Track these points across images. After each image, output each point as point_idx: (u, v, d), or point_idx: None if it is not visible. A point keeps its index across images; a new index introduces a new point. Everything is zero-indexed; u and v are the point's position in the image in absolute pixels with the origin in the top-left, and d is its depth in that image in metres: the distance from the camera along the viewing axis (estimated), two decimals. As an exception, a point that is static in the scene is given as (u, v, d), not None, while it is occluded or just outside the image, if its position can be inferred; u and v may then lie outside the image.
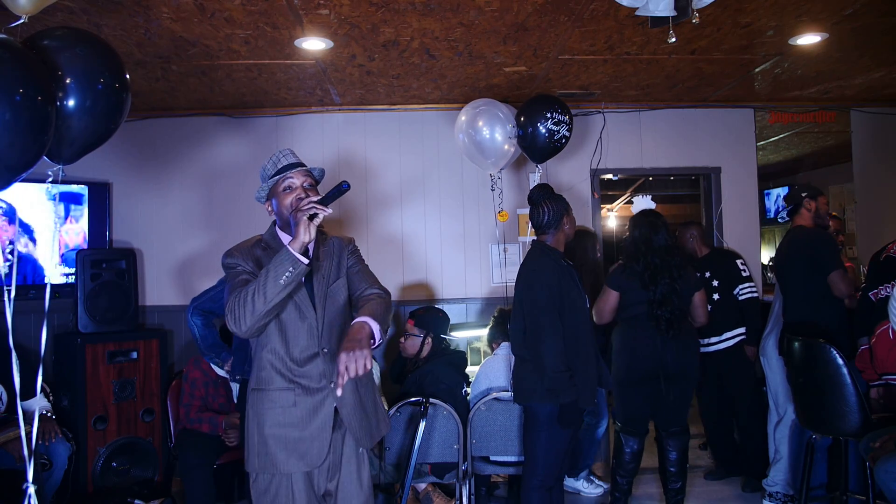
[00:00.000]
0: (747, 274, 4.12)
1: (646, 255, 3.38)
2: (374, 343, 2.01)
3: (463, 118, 4.00)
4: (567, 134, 4.03)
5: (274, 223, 2.27)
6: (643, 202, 3.82)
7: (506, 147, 3.95)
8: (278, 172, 2.18)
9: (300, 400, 2.10)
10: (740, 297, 4.04)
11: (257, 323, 1.94)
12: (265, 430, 2.09)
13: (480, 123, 3.94)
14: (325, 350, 2.14)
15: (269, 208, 2.25)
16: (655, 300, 3.31)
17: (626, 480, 3.51)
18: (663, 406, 3.38)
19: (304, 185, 2.19)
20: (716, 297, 4.05)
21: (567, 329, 2.80)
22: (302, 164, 2.24)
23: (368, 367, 1.90)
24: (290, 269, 1.91)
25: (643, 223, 3.48)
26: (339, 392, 1.92)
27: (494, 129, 3.92)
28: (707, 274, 4.12)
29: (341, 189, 1.97)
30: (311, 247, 2.12)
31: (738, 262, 4.15)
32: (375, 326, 2.03)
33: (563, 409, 2.75)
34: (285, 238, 2.19)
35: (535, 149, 4.05)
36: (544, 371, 2.77)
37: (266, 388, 2.12)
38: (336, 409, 2.13)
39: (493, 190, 4.33)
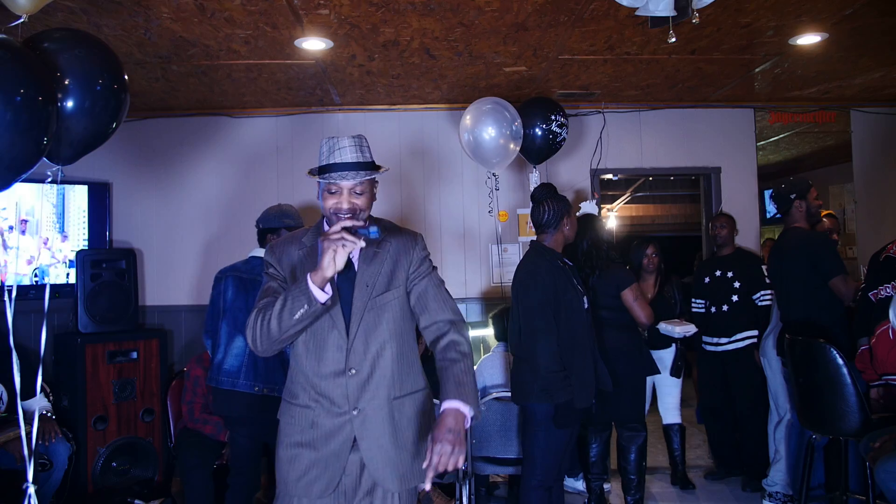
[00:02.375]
0: (769, 281, 4.09)
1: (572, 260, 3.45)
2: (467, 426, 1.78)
3: (468, 117, 3.97)
4: (565, 136, 4.10)
5: (323, 217, 2.02)
6: (588, 206, 3.88)
7: (511, 146, 3.94)
8: (327, 168, 1.86)
9: (319, 421, 1.88)
10: (759, 303, 4.01)
11: (273, 347, 1.78)
12: (281, 449, 1.93)
13: (486, 123, 3.91)
14: (353, 371, 1.87)
15: (317, 190, 1.97)
16: None
17: (598, 483, 3.59)
18: (603, 405, 3.30)
19: (356, 190, 1.87)
20: (734, 298, 4.02)
21: (563, 330, 2.80)
22: (357, 167, 1.87)
23: (462, 462, 1.69)
24: (305, 306, 1.70)
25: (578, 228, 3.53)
26: (427, 486, 1.69)
27: (501, 129, 3.89)
28: (730, 274, 4.09)
29: (369, 237, 1.76)
30: (354, 254, 1.89)
31: (764, 267, 4.13)
32: (469, 412, 1.77)
33: (557, 409, 2.75)
34: None
35: (533, 150, 4.06)
36: (538, 371, 2.78)
37: (291, 400, 1.94)
38: (355, 440, 1.87)
39: (497, 190, 4.34)
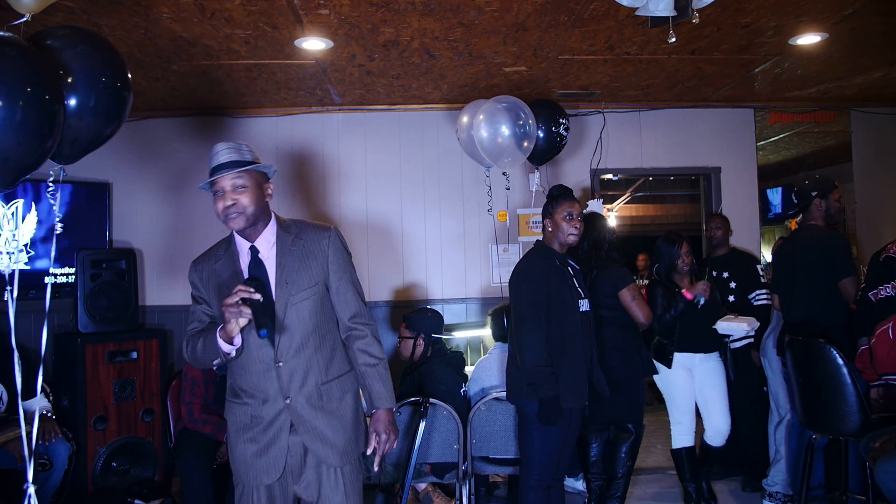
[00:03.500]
0: (765, 280, 4.09)
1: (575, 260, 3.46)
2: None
3: (481, 115, 3.96)
4: (568, 138, 4.16)
5: (233, 232, 2.15)
6: (594, 205, 3.84)
7: (525, 144, 3.93)
8: (211, 173, 2.01)
9: (256, 413, 2.04)
10: (755, 303, 4.02)
11: (204, 366, 2.06)
12: (231, 442, 2.09)
13: (501, 121, 3.89)
14: (281, 364, 2.02)
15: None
16: None
17: (598, 483, 3.59)
18: (600, 405, 3.35)
19: (236, 185, 1.99)
20: (731, 298, 4.03)
21: (554, 329, 2.80)
22: (233, 164, 2.00)
23: (395, 444, 2.10)
24: (218, 358, 1.97)
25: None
26: (375, 468, 2.09)
27: (515, 128, 3.87)
28: (725, 274, 4.09)
29: (260, 336, 1.91)
30: (269, 245, 2.08)
31: (759, 266, 4.13)
32: (393, 406, 2.11)
33: (541, 405, 2.74)
34: (240, 243, 2.09)
35: (537, 151, 4.07)
36: (524, 366, 2.78)
37: (231, 399, 2.11)
38: (292, 425, 2.04)
39: (507, 189, 4.34)
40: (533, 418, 2.80)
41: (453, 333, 4.45)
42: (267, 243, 2.08)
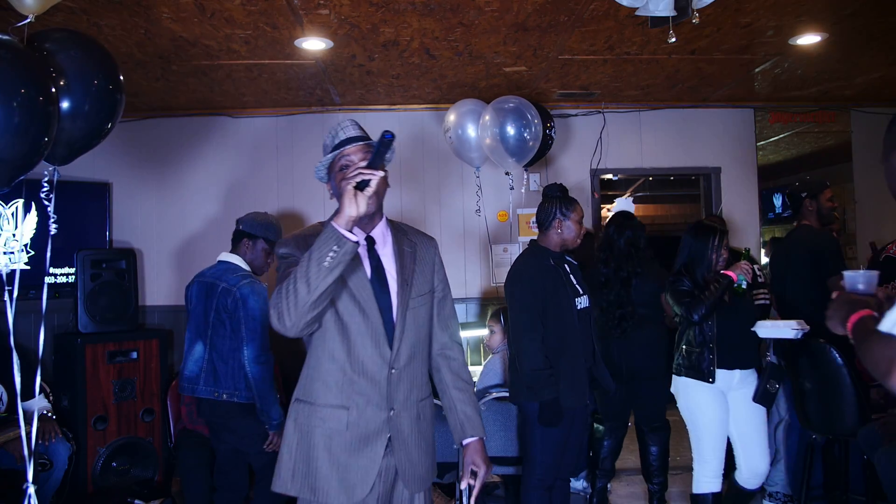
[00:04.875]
0: (763, 280, 4.09)
1: (606, 257, 3.51)
2: None
3: (487, 117, 3.98)
4: (554, 139, 4.26)
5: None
6: (623, 203, 3.80)
7: (531, 144, 3.95)
8: (335, 148, 1.84)
9: (353, 422, 1.77)
10: (755, 303, 4.01)
11: (304, 317, 1.60)
12: (310, 451, 1.78)
13: (507, 122, 3.92)
14: (394, 370, 1.80)
15: (330, 190, 1.91)
16: (609, 302, 3.45)
17: (603, 481, 3.62)
18: (638, 403, 3.51)
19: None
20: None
21: (550, 329, 2.80)
22: (365, 138, 1.86)
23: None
24: (335, 247, 1.55)
25: (611, 225, 3.58)
26: (463, 484, 1.89)
27: (521, 128, 3.90)
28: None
29: (384, 141, 1.58)
30: (384, 239, 1.88)
31: (756, 267, 4.12)
32: (484, 436, 1.94)
33: (542, 407, 2.75)
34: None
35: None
36: (523, 369, 2.78)
37: (316, 401, 1.80)
38: (390, 440, 1.81)
39: (511, 189, 4.35)
40: (534, 419, 2.80)
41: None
42: (382, 237, 1.89)
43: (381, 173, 1.60)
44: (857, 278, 1.56)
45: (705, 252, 2.97)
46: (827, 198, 3.54)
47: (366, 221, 1.82)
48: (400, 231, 1.96)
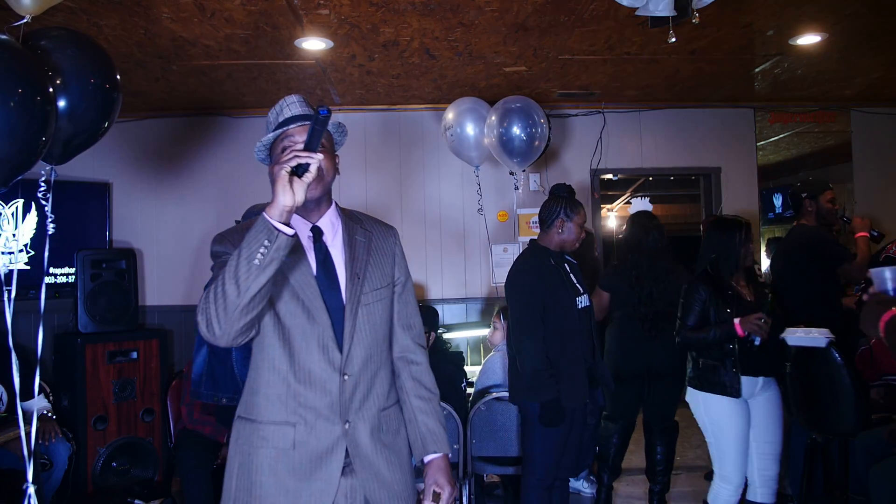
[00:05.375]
0: (763, 280, 4.09)
1: (635, 256, 3.50)
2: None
3: (493, 118, 3.99)
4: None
5: None
6: (641, 203, 3.80)
7: (536, 143, 3.96)
8: (279, 127, 1.62)
9: (301, 439, 1.53)
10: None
11: (235, 323, 1.39)
12: (252, 476, 1.54)
13: (513, 122, 3.93)
14: (347, 376, 1.57)
15: (270, 174, 1.60)
16: (641, 301, 3.43)
17: (609, 477, 3.61)
18: (651, 402, 3.52)
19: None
20: None
21: (551, 328, 2.79)
22: (311, 116, 1.59)
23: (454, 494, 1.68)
24: (266, 242, 1.35)
25: (635, 225, 3.56)
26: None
27: (526, 128, 3.92)
28: None
29: (318, 118, 1.41)
30: (334, 229, 1.67)
31: (755, 266, 4.13)
32: (449, 452, 1.72)
33: (543, 408, 2.75)
34: (295, 221, 1.60)
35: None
36: (524, 369, 2.78)
37: (258, 418, 1.56)
38: (347, 452, 1.56)
39: (517, 189, 4.35)
40: (534, 419, 2.80)
41: (453, 334, 4.44)
42: (331, 227, 1.67)
43: (319, 156, 1.40)
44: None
45: (732, 247, 2.81)
46: (827, 199, 3.55)
47: (311, 208, 1.62)
48: (353, 219, 1.73)
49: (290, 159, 1.39)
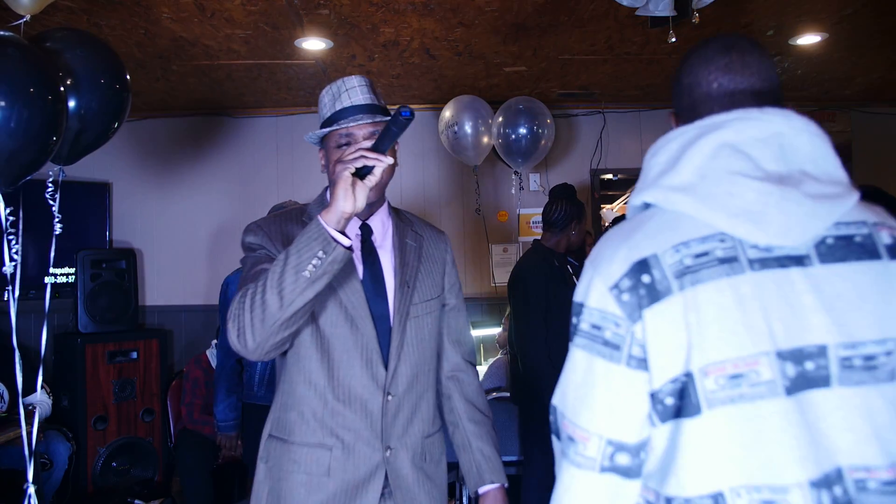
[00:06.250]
0: None
1: None
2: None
3: (500, 119, 4.01)
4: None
5: (326, 188, 1.54)
6: (611, 215, 3.82)
7: (542, 143, 3.97)
8: (336, 115, 1.42)
9: (338, 465, 1.37)
10: None
11: (273, 337, 1.23)
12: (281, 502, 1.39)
13: (519, 122, 3.96)
14: (391, 396, 1.41)
15: (322, 160, 1.51)
16: None
17: None
18: None
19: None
20: None
21: (554, 329, 2.80)
22: (375, 109, 1.43)
23: None
24: (320, 252, 1.18)
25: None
26: None
27: (533, 128, 3.93)
28: None
29: (399, 120, 1.22)
30: (384, 229, 1.51)
31: None
32: (505, 483, 1.55)
33: (545, 408, 2.75)
34: None
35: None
36: (527, 370, 2.79)
37: (290, 439, 1.40)
38: (387, 487, 1.41)
39: (521, 189, 4.36)
40: (535, 419, 2.80)
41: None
42: (381, 227, 1.51)
43: (389, 160, 1.25)
44: None
45: None
46: None
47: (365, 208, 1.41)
48: (404, 221, 1.57)
49: (356, 159, 1.23)
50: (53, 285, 4.14)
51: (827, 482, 0.80)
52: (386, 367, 1.41)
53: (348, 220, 1.23)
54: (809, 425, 0.82)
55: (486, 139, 4.05)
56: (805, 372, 0.83)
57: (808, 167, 0.91)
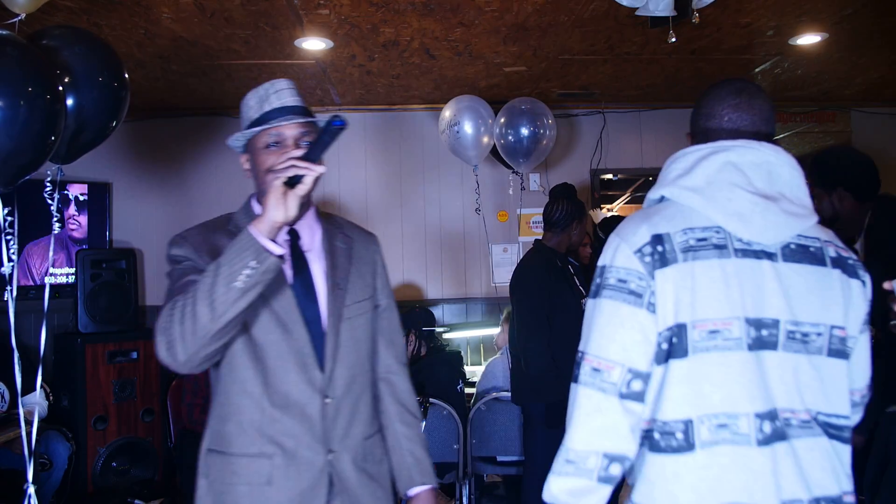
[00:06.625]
0: None
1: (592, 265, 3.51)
2: None
3: (503, 120, 4.02)
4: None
5: (252, 195, 1.55)
6: (600, 214, 3.83)
7: (544, 143, 3.98)
8: (263, 118, 1.44)
9: (279, 474, 1.35)
10: None
11: (204, 349, 1.23)
12: None
13: (521, 123, 3.96)
14: (329, 399, 1.40)
15: (246, 165, 1.51)
16: None
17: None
18: None
19: (302, 142, 1.41)
20: None
21: (556, 330, 2.80)
22: (303, 111, 1.45)
23: None
24: (253, 263, 1.18)
25: (598, 236, 3.57)
26: None
27: (535, 129, 3.93)
28: None
29: (331, 128, 1.23)
30: (312, 233, 1.50)
31: None
32: (435, 484, 1.57)
33: (548, 409, 2.75)
34: None
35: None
36: (529, 370, 2.78)
37: (229, 450, 1.40)
38: (331, 490, 1.39)
39: (522, 189, 4.36)
40: (538, 419, 2.80)
41: (452, 334, 4.45)
42: (309, 231, 1.51)
43: (321, 169, 1.25)
44: None
45: None
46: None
47: None
48: (333, 224, 1.56)
49: (287, 168, 1.23)
50: (54, 285, 4.15)
51: (768, 416, 1.10)
52: (322, 370, 1.40)
53: (279, 229, 1.23)
54: (760, 374, 1.11)
55: (486, 139, 4.05)
56: (761, 336, 1.13)
57: (786, 191, 1.19)
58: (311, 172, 1.24)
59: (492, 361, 3.63)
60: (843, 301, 1.17)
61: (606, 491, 1.14)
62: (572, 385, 1.18)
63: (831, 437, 1.14)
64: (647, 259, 1.14)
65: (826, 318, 1.16)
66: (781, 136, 5.89)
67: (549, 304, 2.80)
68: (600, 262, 1.21)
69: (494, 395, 3.31)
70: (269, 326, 1.38)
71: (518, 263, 3.03)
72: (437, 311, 3.98)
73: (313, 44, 3.36)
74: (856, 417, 1.29)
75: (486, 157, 4.31)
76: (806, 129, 5.46)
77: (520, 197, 4.52)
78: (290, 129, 1.42)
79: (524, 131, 3.92)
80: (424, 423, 3.12)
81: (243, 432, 1.38)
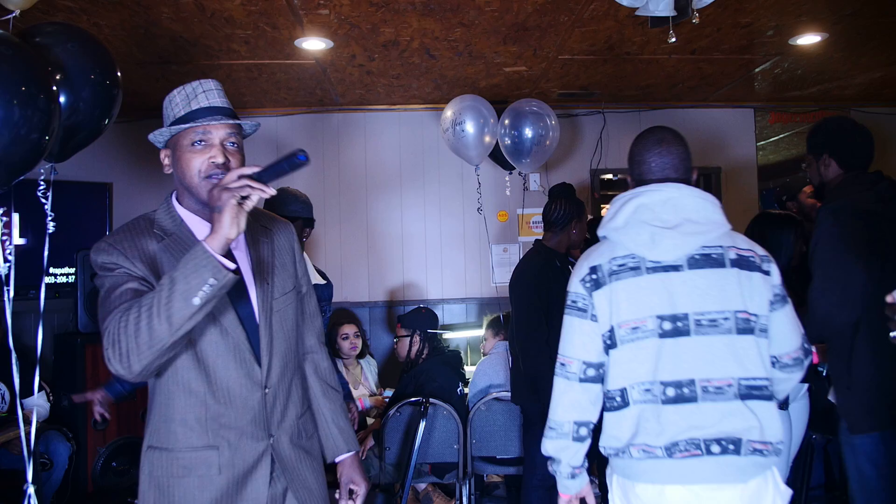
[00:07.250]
0: None
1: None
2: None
3: (507, 121, 4.01)
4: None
5: (171, 194, 1.60)
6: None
7: (547, 143, 3.98)
8: (190, 115, 1.50)
9: (226, 462, 1.43)
10: None
11: (157, 360, 1.27)
12: None
13: (525, 125, 3.96)
14: (268, 390, 1.49)
15: (166, 161, 1.58)
16: None
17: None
18: None
19: (227, 143, 1.50)
20: None
21: (554, 330, 2.80)
22: (229, 112, 1.54)
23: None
24: (211, 280, 1.22)
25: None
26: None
27: (538, 130, 3.93)
28: None
29: (294, 160, 1.28)
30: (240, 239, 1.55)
31: None
32: (357, 450, 1.74)
33: (546, 409, 2.75)
34: (190, 218, 1.53)
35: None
36: (527, 370, 2.78)
37: (174, 447, 1.43)
38: (273, 467, 1.50)
39: (525, 189, 4.35)
40: (536, 419, 2.80)
41: (452, 334, 4.44)
42: None
43: (272, 191, 1.30)
44: None
45: (786, 247, 2.62)
46: (807, 195, 3.56)
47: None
48: (254, 217, 1.59)
49: (242, 188, 1.26)
50: (54, 285, 4.15)
51: (679, 385, 1.53)
52: (259, 364, 1.48)
53: (229, 244, 1.28)
54: (675, 353, 1.53)
55: (487, 139, 4.04)
56: (677, 327, 1.54)
57: (691, 216, 1.61)
58: (264, 194, 1.29)
59: (482, 362, 3.62)
60: (741, 291, 1.54)
61: (580, 446, 1.63)
62: (553, 377, 1.66)
63: (751, 398, 1.52)
64: (588, 284, 1.62)
65: (729, 305, 1.53)
66: (781, 136, 5.90)
67: (547, 304, 2.80)
68: (567, 287, 1.68)
69: (494, 394, 3.31)
70: (207, 327, 1.42)
71: (517, 264, 3.03)
72: (438, 311, 3.98)
73: (313, 44, 3.36)
74: (796, 376, 1.65)
75: (488, 157, 4.30)
76: (806, 128, 5.46)
77: (521, 197, 4.53)
78: (217, 129, 1.48)
79: (528, 132, 3.91)
80: (424, 423, 3.11)
81: (190, 429, 1.43)
